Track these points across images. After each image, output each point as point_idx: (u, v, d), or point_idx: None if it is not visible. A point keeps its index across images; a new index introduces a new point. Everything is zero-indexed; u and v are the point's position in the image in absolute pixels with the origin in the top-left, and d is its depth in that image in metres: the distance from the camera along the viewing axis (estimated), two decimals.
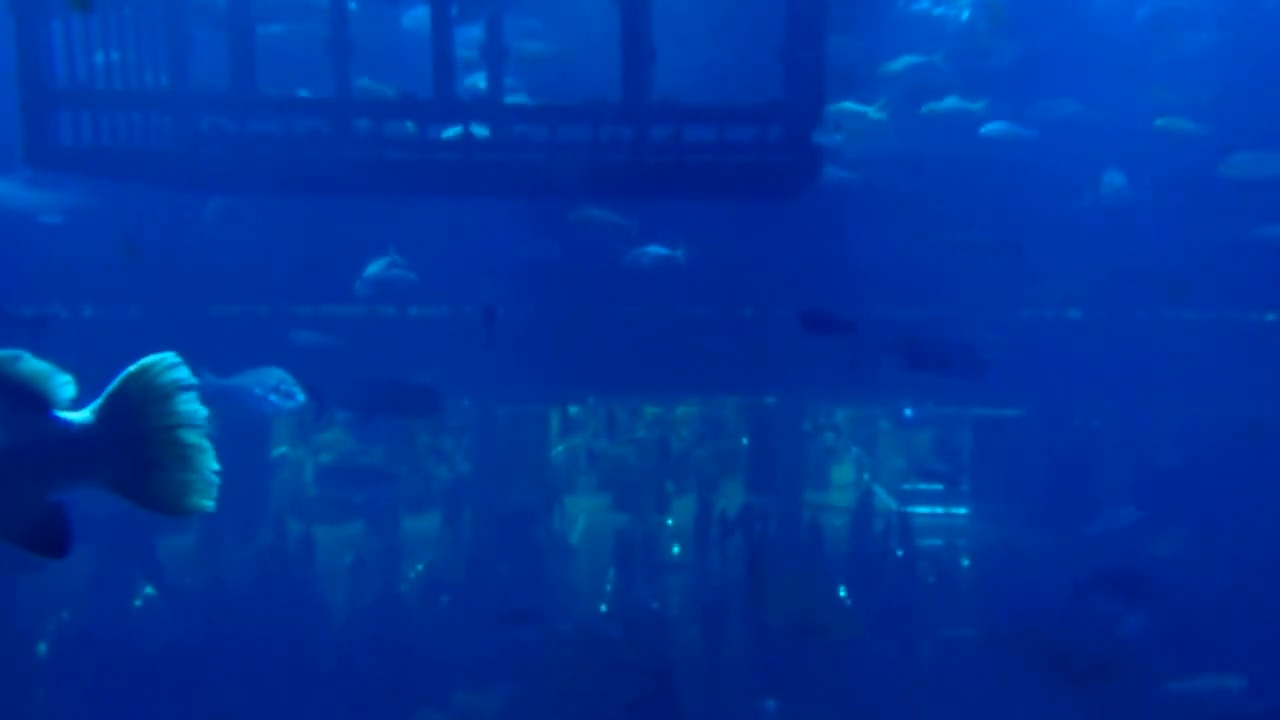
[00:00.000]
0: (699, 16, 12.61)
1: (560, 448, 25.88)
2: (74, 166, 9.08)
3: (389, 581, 18.42)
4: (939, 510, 23.73)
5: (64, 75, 8.68)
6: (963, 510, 23.91)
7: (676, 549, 21.71)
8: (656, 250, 12.94)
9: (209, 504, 2.85)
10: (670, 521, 22.90)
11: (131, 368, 2.75)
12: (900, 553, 19.77)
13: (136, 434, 2.77)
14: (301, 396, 9.54)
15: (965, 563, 20.96)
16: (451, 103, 9.18)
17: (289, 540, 18.58)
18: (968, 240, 11.54)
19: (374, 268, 12.58)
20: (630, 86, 9.13)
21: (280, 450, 23.58)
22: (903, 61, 12.23)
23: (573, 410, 25.85)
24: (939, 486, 23.97)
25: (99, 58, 8.78)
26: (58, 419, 2.71)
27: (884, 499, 24.83)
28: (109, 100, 8.84)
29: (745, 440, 24.79)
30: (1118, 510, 14.78)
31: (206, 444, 2.84)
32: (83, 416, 2.75)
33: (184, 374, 2.79)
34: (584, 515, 23.50)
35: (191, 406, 2.81)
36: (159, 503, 2.83)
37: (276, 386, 9.58)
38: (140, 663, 14.93)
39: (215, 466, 2.87)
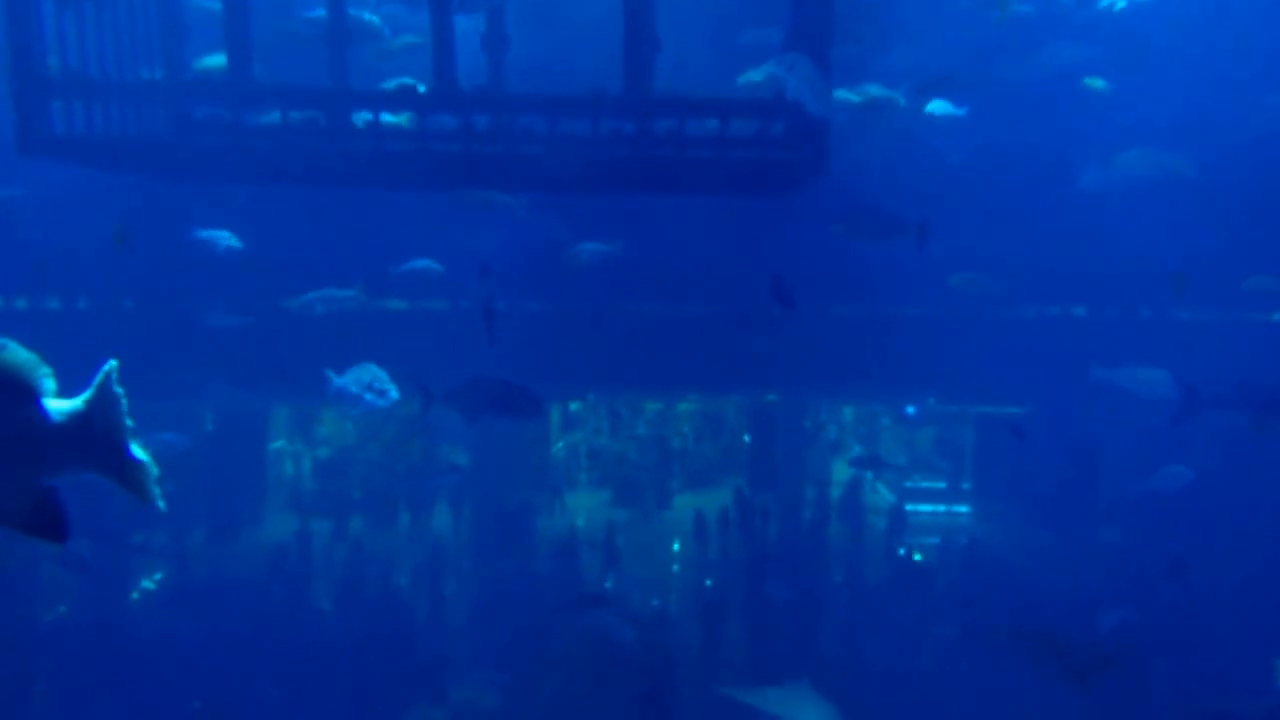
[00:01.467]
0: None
1: (560, 444, 25.78)
2: (66, 155, 8.95)
3: (388, 576, 18.33)
4: (940, 508, 23.64)
5: (56, 62, 8.56)
6: (964, 509, 23.80)
7: (676, 545, 21.66)
8: (594, 246, 12.84)
9: (160, 503, 3.00)
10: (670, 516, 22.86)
11: (105, 367, 2.90)
12: (900, 550, 19.74)
13: (109, 430, 2.92)
14: (395, 394, 9.58)
15: (963, 560, 20.87)
16: (452, 93, 9.05)
17: (296, 536, 18.57)
18: (869, 224, 11.23)
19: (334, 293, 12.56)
20: (633, 79, 9.01)
21: (277, 444, 23.48)
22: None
23: (573, 406, 25.71)
24: (941, 484, 23.98)
25: (92, 44, 8.65)
26: (47, 407, 2.82)
27: (884, 495, 24.72)
28: (102, 88, 8.71)
29: (746, 437, 24.66)
30: (1171, 469, 14.45)
31: (142, 457, 2.98)
32: (74, 405, 2.87)
33: (119, 388, 2.93)
34: (584, 512, 23.42)
35: (125, 419, 2.95)
36: (141, 490, 2.98)
37: (371, 384, 9.64)
38: (137, 654, 14.89)
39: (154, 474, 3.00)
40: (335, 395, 9.66)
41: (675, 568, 20.76)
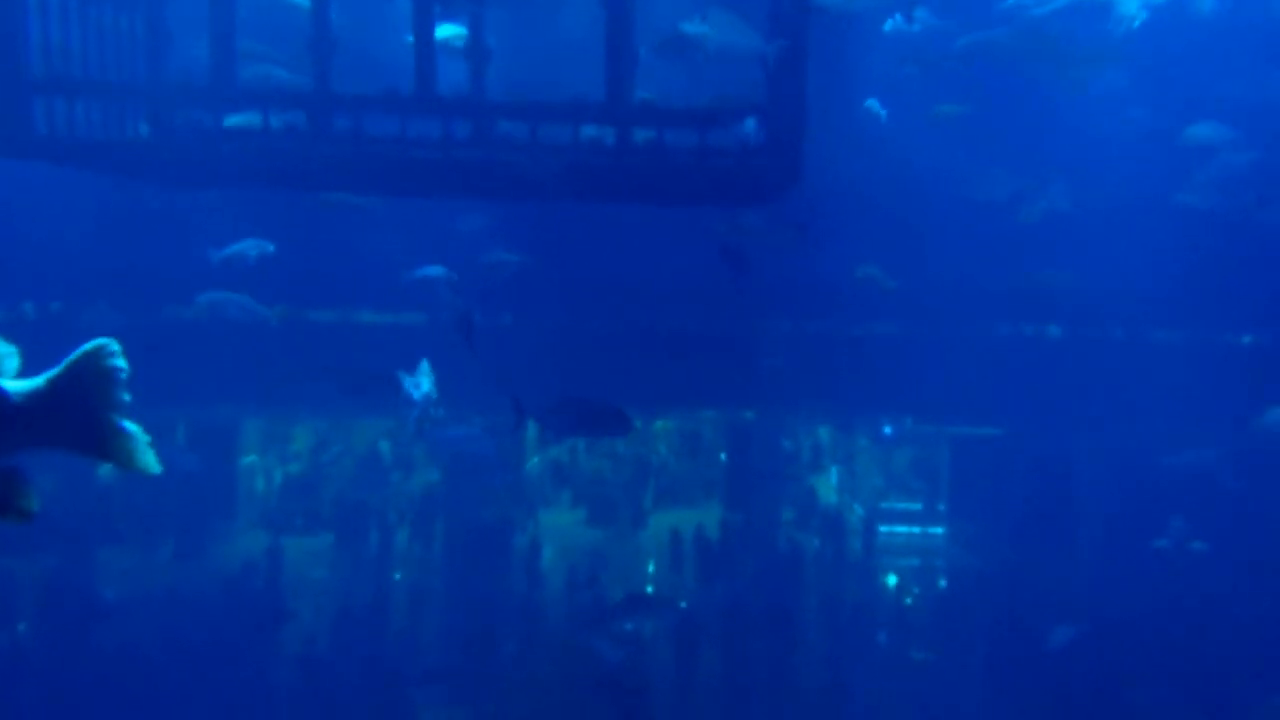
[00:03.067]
0: None
1: (535, 460, 25.63)
2: (49, 156, 8.97)
3: (360, 595, 18.22)
4: (916, 530, 23.71)
5: (40, 63, 8.58)
6: (939, 530, 23.87)
7: (652, 566, 21.61)
8: (505, 256, 12.87)
9: (156, 465, 2.98)
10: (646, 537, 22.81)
11: (86, 346, 2.88)
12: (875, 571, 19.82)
13: (85, 407, 2.90)
14: (427, 386, 9.44)
15: (941, 583, 20.97)
16: (433, 99, 9.13)
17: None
18: (751, 226, 11.40)
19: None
20: (612, 88, 9.12)
21: (249, 459, 23.31)
22: None
23: None
24: (917, 506, 24.06)
25: (76, 46, 8.69)
26: (3, 385, 2.81)
27: (857, 511, 24.77)
28: (86, 89, 8.74)
29: (723, 456, 24.63)
30: (1199, 451, 14.65)
31: (133, 428, 2.98)
32: (35, 384, 2.86)
33: (123, 361, 2.93)
34: (559, 530, 23.28)
35: (122, 394, 2.94)
36: (115, 460, 2.98)
37: (416, 379, 9.50)
38: (102, 677, 14.74)
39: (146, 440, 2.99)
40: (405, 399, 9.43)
41: (650, 589, 20.68)
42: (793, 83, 9.04)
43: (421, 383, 9.22)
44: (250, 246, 12.02)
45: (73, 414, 2.89)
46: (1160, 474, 15.67)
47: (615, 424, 9.62)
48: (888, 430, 23.18)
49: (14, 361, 2.86)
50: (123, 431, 2.94)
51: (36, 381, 2.86)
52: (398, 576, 20.00)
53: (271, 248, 12.05)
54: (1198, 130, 12.83)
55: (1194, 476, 14.91)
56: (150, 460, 2.97)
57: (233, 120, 9.02)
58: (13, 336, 2.97)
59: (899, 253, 13.84)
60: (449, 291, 12.72)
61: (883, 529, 22.34)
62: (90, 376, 2.89)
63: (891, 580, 21.10)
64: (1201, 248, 14.31)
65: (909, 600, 20.16)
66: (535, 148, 9.31)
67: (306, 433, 23.73)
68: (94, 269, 14.09)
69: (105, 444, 2.94)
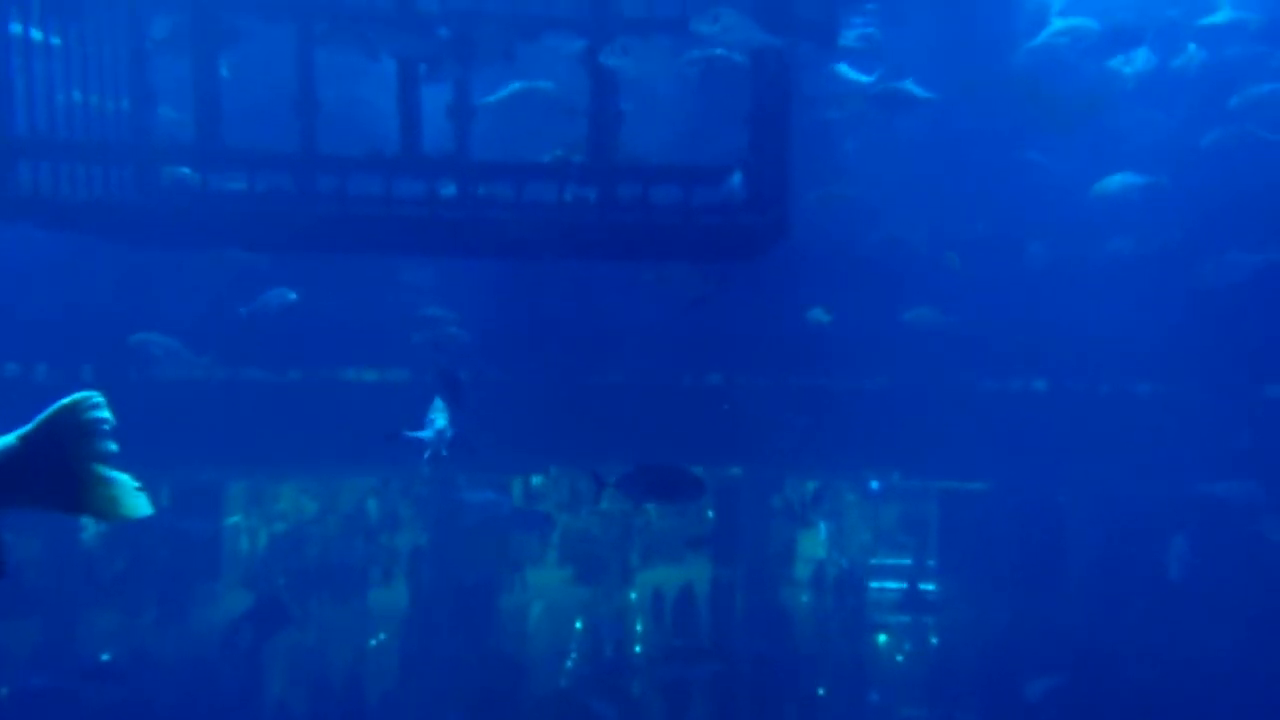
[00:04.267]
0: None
1: None
2: (32, 217, 8.94)
3: (342, 656, 18.02)
4: (906, 585, 23.52)
5: (24, 123, 8.58)
6: (930, 586, 23.69)
7: (640, 625, 21.41)
8: (437, 311, 12.99)
9: (146, 507, 2.90)
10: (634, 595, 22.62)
11: (64, 400, 2.80)
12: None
13: (62, 462, 2.81)
14: (441, 423, 9.38)
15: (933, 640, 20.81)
16: (419, 159, 9.18)
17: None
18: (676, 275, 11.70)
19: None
20: (597, 146, 9.19)
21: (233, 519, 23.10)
22: None
23: (535, 480, 25.43)
24: (907, 561, 23.92)
25: (60, 105, 8.70)
26: None
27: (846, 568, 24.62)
28: (70, 151, 8.73)
29: (710, 512, 24.46)
30: (1234, 483, 14.57)
31: (120, 476, 2.89)
32: (6, 441, 2.77)
33: (106, 413, 2.85)
34: (546, 589, 23.07)
35: (107, 445, 2.86)
36: (103, 512, 2.89)
37: (430, 417, 9.47)
38: None
39: (134, 485, 2.90)
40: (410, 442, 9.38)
41: (638, 648, 20.48)
42: (776, 138, 9.13)
43: (436, 420, 9.22)
44: (273, 297, 11.93)
45: (51, 470, 2.80)
46: (1156, 521, 15.60)
47: (690, 488, 10.10)
48: (874, 485, 23.11)
49: None
50: (107, 480, 2.86)
51: (8, 439, 2.78)
52: (383, 635, 19.78)
53: (293, 296, 11.98)
54: (1113, 181, 12.91)
55: (1214, 510, 14.65)
56: (142, 504, 2.89)
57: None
58: None
59: (882, 306, 13.90)
60: (432, 351, 12.72)
61: (873, 585, 22.23)
62: (70, 431, 2.81)
63: (882, 638, 20.98)
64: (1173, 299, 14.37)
65: (900, 657, 20.05)
66: (521, 206, 9.35)
67: (292, 492, 23.55)
68: (78, 329, 14.04)
69: (90, 497, 2.86)
